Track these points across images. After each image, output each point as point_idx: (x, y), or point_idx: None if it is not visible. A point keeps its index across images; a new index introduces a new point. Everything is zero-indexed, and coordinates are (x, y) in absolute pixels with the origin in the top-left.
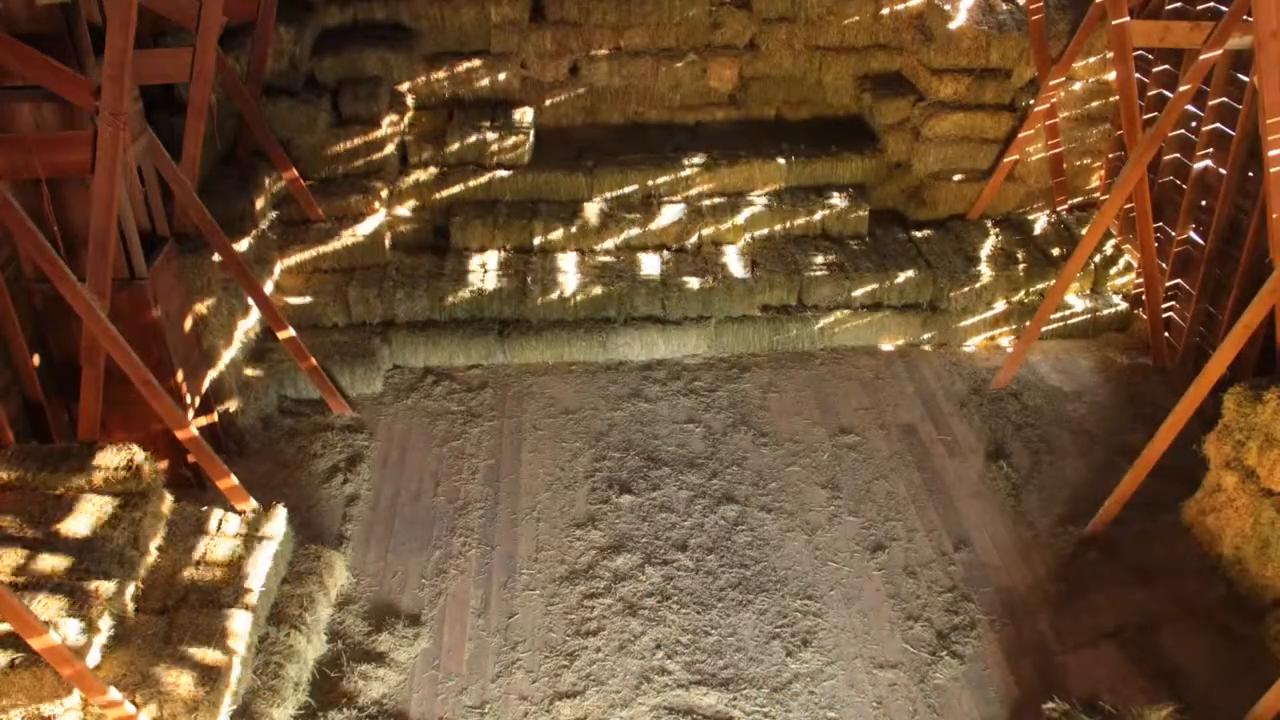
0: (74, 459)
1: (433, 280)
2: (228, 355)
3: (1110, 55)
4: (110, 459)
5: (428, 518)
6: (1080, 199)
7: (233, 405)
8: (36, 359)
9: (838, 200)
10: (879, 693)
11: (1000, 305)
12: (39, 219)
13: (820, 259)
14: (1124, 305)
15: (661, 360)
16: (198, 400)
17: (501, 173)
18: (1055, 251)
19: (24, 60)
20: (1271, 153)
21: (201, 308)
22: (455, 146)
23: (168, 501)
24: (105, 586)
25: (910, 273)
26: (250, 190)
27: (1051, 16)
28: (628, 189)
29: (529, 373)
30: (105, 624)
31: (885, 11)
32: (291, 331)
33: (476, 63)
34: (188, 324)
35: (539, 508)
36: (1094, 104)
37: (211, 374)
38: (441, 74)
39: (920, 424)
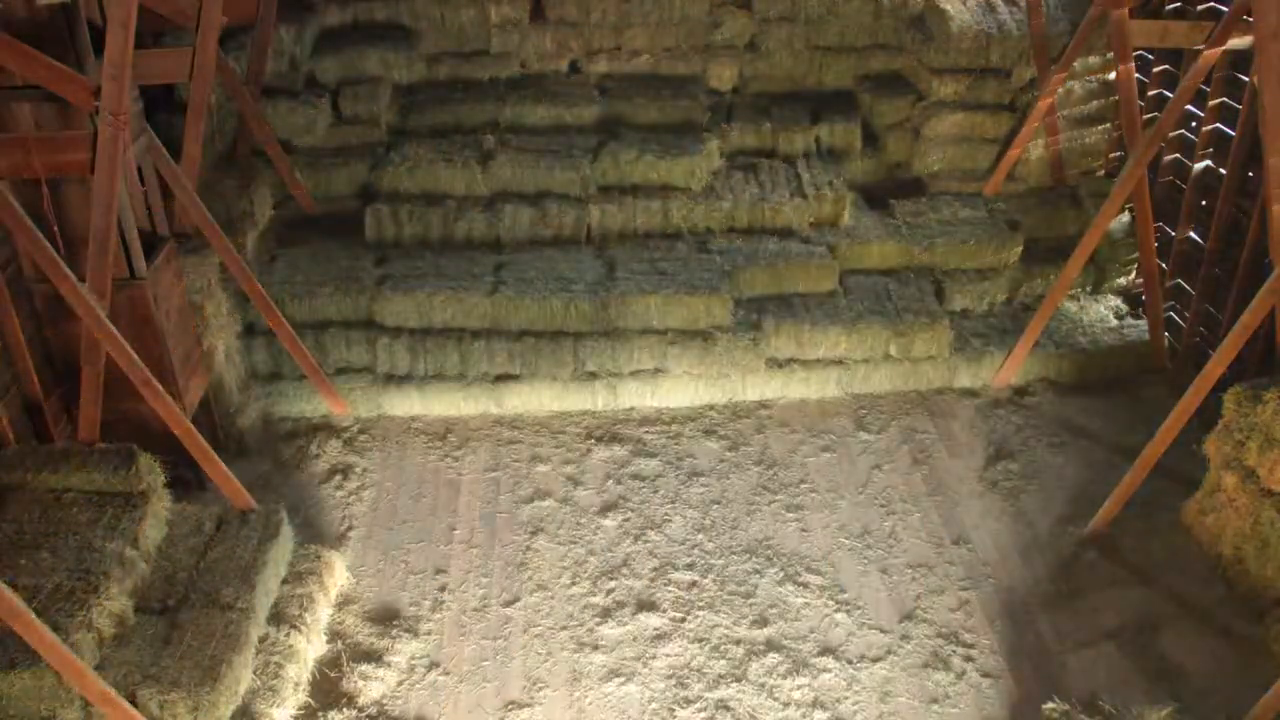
0: (74, 459)
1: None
2: (227, 355)
3: (1110, 55)
4: (110, 459)
5: (428, 517)
6: None
7: (233, 405)
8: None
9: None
10: (879, 693)
11: (1000, 304)
12: (39, 219)
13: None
14: (1124, 305)
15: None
16: (197, 400)
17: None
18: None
19: (24, 60)
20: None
21: (201, 308)
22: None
23: (167, 502)
24: (105, 587)
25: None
26: (250, 190)
27: (1052, 16)
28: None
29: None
30: (105, 624)
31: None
32: (290, 330)
33: (476, 62)
34: (187, 324)
35: (538, 506)
36: (1094, 104)
37: (211, 374)
38: (441, 74)
39: (920, 424)
